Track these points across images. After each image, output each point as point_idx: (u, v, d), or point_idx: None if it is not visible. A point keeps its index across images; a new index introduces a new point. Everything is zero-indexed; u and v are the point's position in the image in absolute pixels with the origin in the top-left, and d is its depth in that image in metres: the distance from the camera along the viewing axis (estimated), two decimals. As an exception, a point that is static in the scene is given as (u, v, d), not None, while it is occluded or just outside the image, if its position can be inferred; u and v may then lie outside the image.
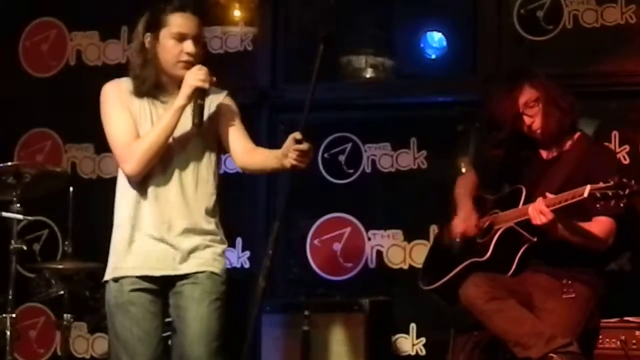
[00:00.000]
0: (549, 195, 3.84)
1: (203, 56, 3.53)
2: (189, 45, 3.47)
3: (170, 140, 3.49)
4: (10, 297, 4.29)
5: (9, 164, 4.40)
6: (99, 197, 5.52)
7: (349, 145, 5.49)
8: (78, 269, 4.63)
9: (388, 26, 5.48)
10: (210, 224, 3.56)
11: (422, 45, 5.32)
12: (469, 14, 5.25)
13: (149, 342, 3.48)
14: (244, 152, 3.57)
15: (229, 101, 3.64)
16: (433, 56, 5.32)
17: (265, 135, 5.36)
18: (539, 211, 3.81)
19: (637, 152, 4.89)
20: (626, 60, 4.95)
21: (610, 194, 3.58)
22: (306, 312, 4.75)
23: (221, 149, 3.63)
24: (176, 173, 3.52)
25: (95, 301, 4.68)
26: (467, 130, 4.92)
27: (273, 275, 5.38)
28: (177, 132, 3.51)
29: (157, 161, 3.47)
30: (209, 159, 3.58)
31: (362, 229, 5.42)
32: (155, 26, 3.50)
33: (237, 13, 5.70)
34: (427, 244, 5.16)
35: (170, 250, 3.50)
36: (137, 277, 3.48)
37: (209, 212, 3.56)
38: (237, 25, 5.67)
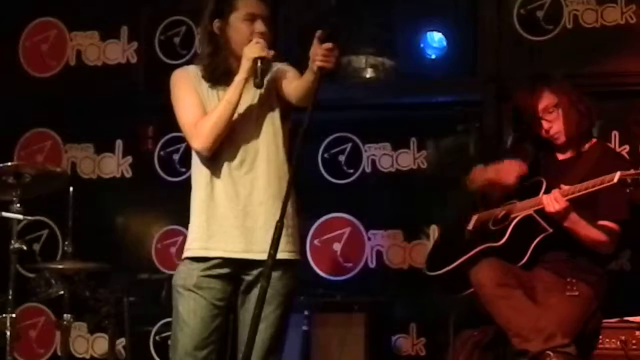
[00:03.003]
0: (564, 187, 3.88)
1: (272, 36, 3.61)
2: (259, 25, 3.55)
3: (236, 116, 3.52)
4: (10, 297, 4.28)
5: (9, 164, 4.38)
6: (99, 197, 5.57)
7: (349, 145, 5.49)
8: (78, 269, 4.62)
9: (388, 26, 5.47)
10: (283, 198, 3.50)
11: (422, 45, 5.32)
12: (469, 14, 5.25)
13: (206, 327, 3.50)
14: (294, 89, 3.57)
15: (281, 65, 3.67)
16: (433, 56, 5.32)
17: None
18: (552, 198, 3.86)
19: (637, 152, 4.89)
20: (626, 60, 4.96)
21: None
22: (306, 312, 4.75)
23: (287, 122, 3.64)
24: (244, 149, 3.54)
25: (95, 301, 4.67)
26: (467, 130, 4.92)
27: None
28: (241, 109, 3.54)
29: (225, 139, 3.50)
30: (277, 131, 3.60)
31: (362, 229, 5.42)
32: (223, 12, 3.56)
33: (237, 13, 5.69)
34: (427, 244, 5.16)
35: (245, 231, 3.51)
36: (211, 262, 3.50)
37: (283, 185, 3.54)
38: (237, 25, 5.66)
